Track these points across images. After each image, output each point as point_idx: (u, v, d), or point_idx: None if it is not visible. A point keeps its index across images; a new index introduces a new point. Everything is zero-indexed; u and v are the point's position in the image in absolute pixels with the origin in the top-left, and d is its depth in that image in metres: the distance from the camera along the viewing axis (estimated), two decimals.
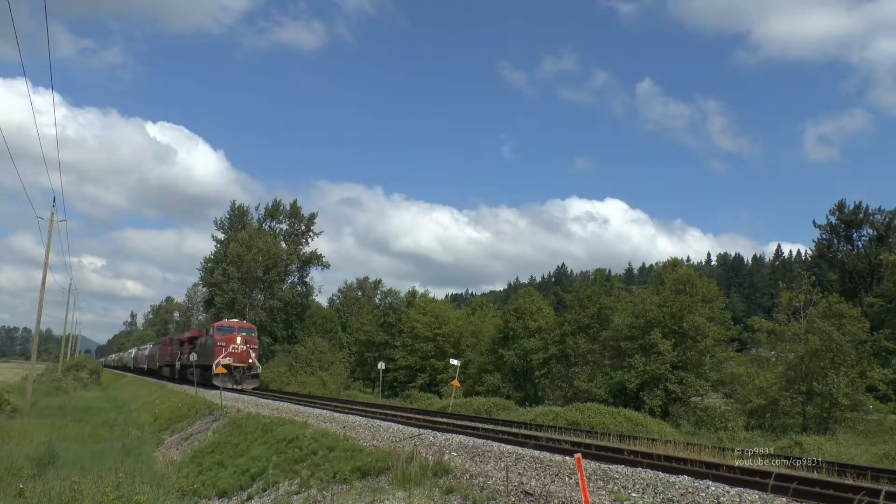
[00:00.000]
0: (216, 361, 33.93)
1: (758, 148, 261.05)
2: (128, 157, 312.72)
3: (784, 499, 7.92)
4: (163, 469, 17.01)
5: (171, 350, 51.91)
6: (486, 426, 18.32)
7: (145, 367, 70.61)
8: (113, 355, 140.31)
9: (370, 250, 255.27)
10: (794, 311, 31.77)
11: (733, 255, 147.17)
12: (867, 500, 8.28)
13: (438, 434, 13.83)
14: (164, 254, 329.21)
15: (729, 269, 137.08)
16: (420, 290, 65.12)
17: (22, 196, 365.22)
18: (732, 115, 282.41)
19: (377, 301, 73.55)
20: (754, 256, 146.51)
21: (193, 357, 37.93)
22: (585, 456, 9.97)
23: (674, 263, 40.69)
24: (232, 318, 44.65)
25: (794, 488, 8.66)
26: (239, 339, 35.71)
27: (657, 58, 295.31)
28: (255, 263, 62.40)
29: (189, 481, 14.91)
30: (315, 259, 68.93)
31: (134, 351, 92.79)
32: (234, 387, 34.01)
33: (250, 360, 35.85)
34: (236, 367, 34.92)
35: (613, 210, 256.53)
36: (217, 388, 31.75)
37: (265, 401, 25.53)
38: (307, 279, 69.93)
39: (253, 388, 36.04)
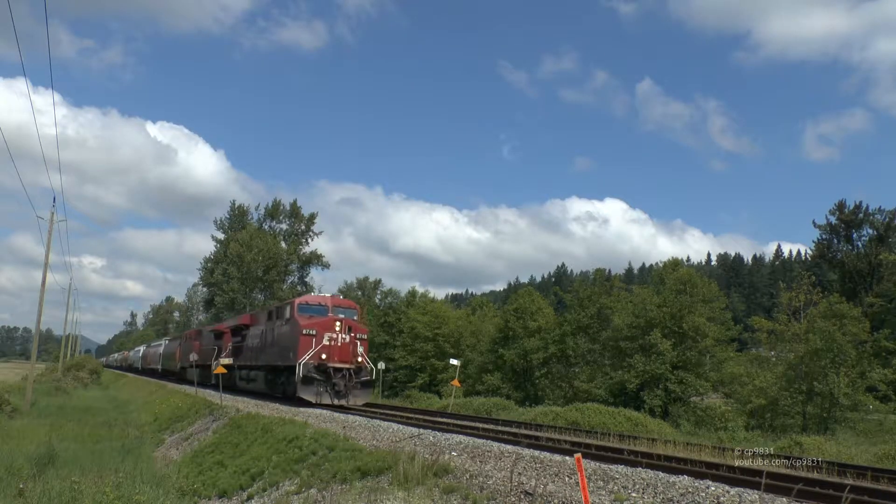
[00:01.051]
0: (301, 360, 22.04)
1: (758, 148, 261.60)
2: (128, 157, 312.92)
3: (783, 498, 7.92)
4: (163, 469, 17.01)
5: (200, 346, 39.90)
6: (486, 426, 18.33)
7: (159, 367, 58.52)
8: (116, 354, 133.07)
9: (370, 250, 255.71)
10: (794, 311, 31.79)
11: (733, 255, 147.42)
12: (855, 497, 8.28)
13: (438, 434, 13.84)
14: (164, 254, 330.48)
15: (729, 269, 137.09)
16: (420, 290, 65.22)
17: (22, 196, 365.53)
18: (732, 115, 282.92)
19: (377, 301, 73.61)
20: (754, 256, 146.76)
21: (212, 353, 32.42)
22: (585, 456, 9.97)
23: (674, 263, 40.71)
24: (232, 317, 42.08)
25: (792, 488, 8.66)
26: (338, 325, 23.01)
27: (657, 58, 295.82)
28: (255, 263, 62.48)
29: (189, 481, 14.91)
30: (315, 259, 69.07)
31: (143, 349, 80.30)
32: (336, 402, 22.26)
33: (359, 359, 23.30)
34: (338, 370, 22.58)
35: (613, 210, 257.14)
36: (310, 404, 21.79)
37: (265, 401, 25.51)
38: (307, 279, 70.16)
39: (364, 404, 23.50)
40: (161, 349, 60.85)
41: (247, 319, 31.25)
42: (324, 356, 22.41)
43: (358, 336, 23.58)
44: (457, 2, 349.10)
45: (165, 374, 54.93)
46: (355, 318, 24.76)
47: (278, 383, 25.31)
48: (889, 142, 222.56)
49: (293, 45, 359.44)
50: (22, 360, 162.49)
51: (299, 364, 22.05)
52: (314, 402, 21.86)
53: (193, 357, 34.38)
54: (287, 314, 24.90)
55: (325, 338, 22.67)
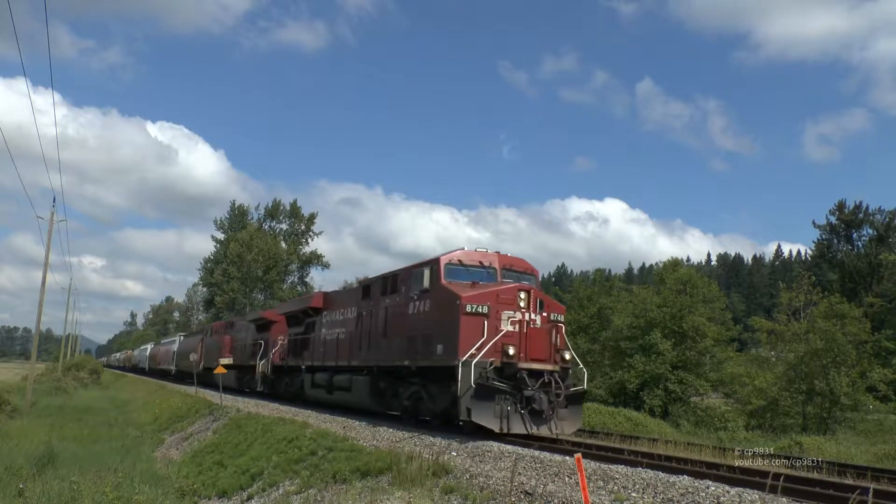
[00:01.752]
0: (466, 358, 12.74)
1: (758, 148, 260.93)
2: (128, 157, 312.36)
3: (784, 499, 7.92)
4: (162, 469, 17.02)
5: (233, 341, 31.91)
6: None
7: (173, 368, 49.86)
8: (118, 354, 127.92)
9: (370, 250, 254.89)
10: (794, 311, 31.78)
11: (733, 255, 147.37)
12: (871, 500, 8.28)
13: (438, 434, 13.83)
14: (164, 254, 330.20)
15: (729, 269, 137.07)
16: None
17: (22, 196, 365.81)
18: (733, 115, 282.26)
19: None
20: (754, 256, 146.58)
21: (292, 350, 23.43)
22: (585, 456, 9.96)
23: (674, 264, 40.71)
24: (233, 318, 40.47)
25: (792, 487, 8.66)
26: (523, 298, 13.66)
27: (657, 58, 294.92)
28: (255, 263, 62.54)
29: (189, 481, 14.92)
30: (315, 259, 69.14)
31: (150, 347, 71.85)
32: (532, 431, 12.96)
33: (566, 356, 13.72)
34: (534, 375, 13.06)
35: (613, 210, 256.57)
36: (490, 433, 12.77)
37: (265, 401, 25.50)
38: (307, 279, 70.27)
39: (574, 432, 14.25)
40: (175, 346, 51.15)
41: (317, 301, 21.74)
42: (510, 351, 12.94)
43: (553, 317, 14.13)
44: (457, 2, 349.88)
45: (180, 377, 46.08)
46: (538, 286, 15.06)
47: (404, 396, 15.75)
48: (889, 142, 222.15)
49: (293, 45, 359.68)
50: (22, 361, 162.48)
51: (468, 364, 12.69)
52: (497, 430, 12.66)
53: (195, 357, 32.69)
54: (424, 281, 14.66)
55: (505, 319, 13.36)
